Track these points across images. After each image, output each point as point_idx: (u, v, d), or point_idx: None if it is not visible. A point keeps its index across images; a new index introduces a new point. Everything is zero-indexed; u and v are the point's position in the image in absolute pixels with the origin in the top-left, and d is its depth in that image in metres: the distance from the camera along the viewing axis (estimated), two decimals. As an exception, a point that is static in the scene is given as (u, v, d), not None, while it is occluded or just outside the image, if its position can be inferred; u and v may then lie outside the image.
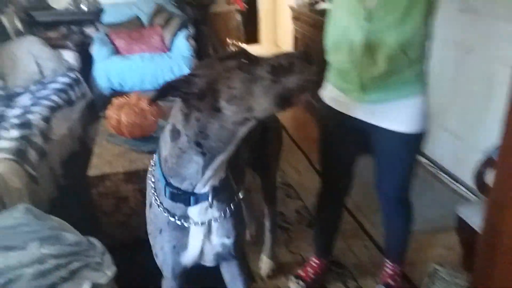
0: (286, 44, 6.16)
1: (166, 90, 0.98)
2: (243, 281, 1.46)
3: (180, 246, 1.22)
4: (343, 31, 1.51)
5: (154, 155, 1.23)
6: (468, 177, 2.76)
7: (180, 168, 1.09)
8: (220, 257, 1.31)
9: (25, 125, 2.57)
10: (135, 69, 3.93)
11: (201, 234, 1.22)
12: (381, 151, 1.71)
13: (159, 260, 1.29)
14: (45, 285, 1.30)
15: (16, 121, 2.60)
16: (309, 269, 2.06)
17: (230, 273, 1.46)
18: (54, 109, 3.01)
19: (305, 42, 4.19)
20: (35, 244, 1.49)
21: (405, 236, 1.93)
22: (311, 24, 3.95)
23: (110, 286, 1.41)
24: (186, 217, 1.17)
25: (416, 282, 2.06)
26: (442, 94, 2.95)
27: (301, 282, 2.01)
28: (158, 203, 1.17)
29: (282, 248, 2.31)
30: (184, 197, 1.13)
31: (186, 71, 3.94)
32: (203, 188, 1.13)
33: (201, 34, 4.84)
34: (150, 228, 1.27)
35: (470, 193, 2.74)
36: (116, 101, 2.47)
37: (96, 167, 2.25)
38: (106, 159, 2.32)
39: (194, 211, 1.17)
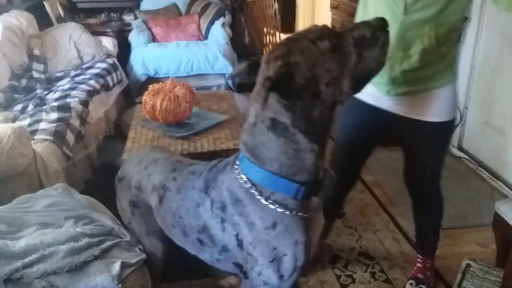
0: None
1: (272, 88, 0.91)
2: None
3: (308, 243, 1.12)
4: None
5: (241, 177, 1.07)
6: (509, 174, 2.66)
7: (303, 161, 1.01)
8: None
9: (64, 108, 2.65)
10: (171, 56, 3.97)
11: (322, 217, 1.20)
12: (410, 142, 1.67)
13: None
14: (78, 262, 1.34)
15: (55, 104, 2.69)
16: None
17: None
18: (92, 93, 3.09)
19: (342, 31, 4.11)
20: (70, 222, 1.54)
21: (435, 229, 1.90)
22: (350, 13, 3.87)
23: (140, 266, 1.43)
24: (309, 208, 1.10)
25: (448, 277, 2.00)
26: (486, 87, 2.85)
27: None
28: (290, 210, 1.06)
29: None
30: (317, 187, 1.08)
31: (220, 59, 3.95)
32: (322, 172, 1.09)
33: (237, 22, 4.83)
34: (277, 250, 1.09)
35: (510, 191, 2.64)
36: (152, 87, 2.51)
37: (131, 150, 2.29)
38: (140, 143, 2.36)
39: (316, 198, 1.13)
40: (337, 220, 2.42)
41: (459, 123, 3.15)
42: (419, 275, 1.94)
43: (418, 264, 1.97)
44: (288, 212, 1.05)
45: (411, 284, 1.92)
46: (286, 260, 1.09)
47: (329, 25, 4.03)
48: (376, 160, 3.04)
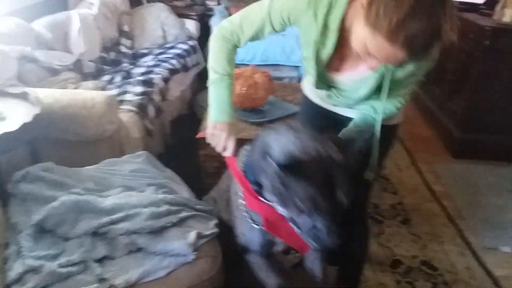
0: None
1: None
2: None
3: None
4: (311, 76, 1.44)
5: None
6: None
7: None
8: None
9: (147, 83, 2.79)
10: (248, 45, 3.98)
11: None
12: None
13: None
14: (158, 226, 1.43)
15: (140, 78, 2.83)
16: None
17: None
18: (172, 72, 3.22)
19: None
20: (152, 188, 1.64)
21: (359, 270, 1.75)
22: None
23: (212, 239, 1.50)
24: None
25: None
26: None
27: None
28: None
29: (373, 240, 2.28)
30: None
31: (297, 51, 3.96)
32: None
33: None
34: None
35: None
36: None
37: (206, 129, 2.37)
38: (215, 125, 2.43)
39: None
40: (401, 225, 2.39)
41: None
42: None
43: None
44: None
45: None
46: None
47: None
48: (448, 171, 2.95)
